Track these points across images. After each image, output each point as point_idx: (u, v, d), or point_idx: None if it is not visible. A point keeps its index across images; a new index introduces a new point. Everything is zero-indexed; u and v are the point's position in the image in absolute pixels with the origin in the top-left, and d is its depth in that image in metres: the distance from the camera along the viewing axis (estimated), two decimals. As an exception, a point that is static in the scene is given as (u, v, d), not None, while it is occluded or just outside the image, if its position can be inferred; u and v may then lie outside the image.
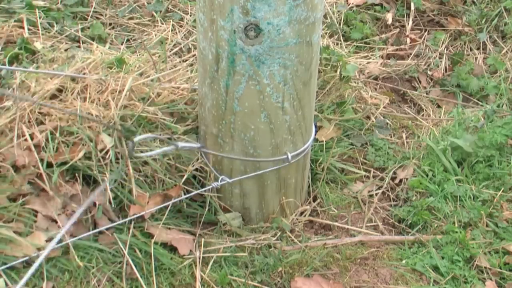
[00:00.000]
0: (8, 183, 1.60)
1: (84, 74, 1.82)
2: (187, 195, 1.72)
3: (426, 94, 2.51)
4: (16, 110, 1.70)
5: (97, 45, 2.10)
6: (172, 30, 2.45)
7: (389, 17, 2.83)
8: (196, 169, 1.76)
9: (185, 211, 1.77)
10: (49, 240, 1.56)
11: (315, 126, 1.76)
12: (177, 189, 1.71)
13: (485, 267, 1.73)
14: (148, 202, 1.68)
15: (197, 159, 1.75)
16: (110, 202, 1.65)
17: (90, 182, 1.69)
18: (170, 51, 2.32)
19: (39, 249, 1.53)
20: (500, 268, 1.74)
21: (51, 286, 1.52)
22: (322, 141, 2.03)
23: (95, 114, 1.67)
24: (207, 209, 1.75)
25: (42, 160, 1.63)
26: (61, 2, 2.47)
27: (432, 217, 1.87)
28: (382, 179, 2.04)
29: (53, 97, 1.77)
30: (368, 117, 2.23)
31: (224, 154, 1.63)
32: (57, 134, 1.67)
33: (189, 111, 1.85)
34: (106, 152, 1.66)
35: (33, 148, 1.64)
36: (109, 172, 1.65)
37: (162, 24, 2.51)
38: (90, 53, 2.01)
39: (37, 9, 2.31)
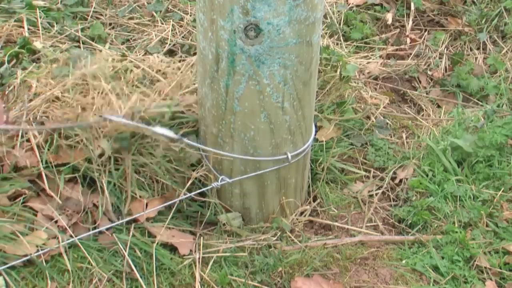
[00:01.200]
0: (9, 183, 1.60)
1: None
2: (187, 195, 1.72)
3: (426, 94, 2.51)
4: (23, 111, 1.70)
5: (101, 49, 2.09)
6: (172, 30, 2.44)
7: (389, 17, 2.83)
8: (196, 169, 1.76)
9: (185, 211, 1.77)
10: (49, 239, 1.56)
11: (315, 126, 1.76)
12: (178, 194, 1.71)
13: (485, 267, 1.73)
14: (147, 203, 1.68)
15: (202, 166, 1.74)
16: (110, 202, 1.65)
17: (90, 182, 1.69)
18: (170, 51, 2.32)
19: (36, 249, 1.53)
20: (500, 268, 1.74)
21: (55, 287, 1.52)
22: (322, 141, 2.03)
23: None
24: (207, 209, 1.75)
25: (43, 161, 1.63)
26: (61, 2, 2.47)
27: (432, 217, 1.87)
28: (382, 179, 2.04)
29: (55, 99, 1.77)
30: (368, 117, 2.23)
31: (224, 152, 1.63)
32: (57, 136, 1.67)
33: (189, 112, 1.85)
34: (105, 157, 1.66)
35: (35, 148, 1.64)
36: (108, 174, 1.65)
37: (162, 24, 2.51)
38: (92, 55, 2.00)
39: (37, 9, 2.31)
